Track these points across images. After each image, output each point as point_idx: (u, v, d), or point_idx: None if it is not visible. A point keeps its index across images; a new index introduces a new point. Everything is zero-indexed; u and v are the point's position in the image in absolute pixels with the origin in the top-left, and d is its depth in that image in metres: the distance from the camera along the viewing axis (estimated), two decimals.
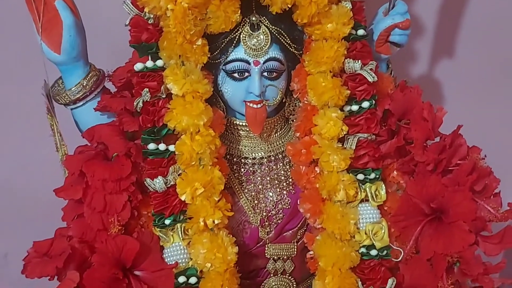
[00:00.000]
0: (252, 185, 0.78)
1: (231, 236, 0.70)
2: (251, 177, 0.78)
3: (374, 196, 0.73)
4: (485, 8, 1.17)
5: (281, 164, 0.80)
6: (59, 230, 0.70)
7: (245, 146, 0.79)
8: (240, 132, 0.79)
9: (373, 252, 0.72)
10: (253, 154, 0.79)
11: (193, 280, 0.68)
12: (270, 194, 0.78)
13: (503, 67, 1.25)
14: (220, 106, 0.77)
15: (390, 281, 0.71)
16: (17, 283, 1.25)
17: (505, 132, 1.31)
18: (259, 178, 0.78)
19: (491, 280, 0.71)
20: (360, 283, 0.71)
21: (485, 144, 1.25)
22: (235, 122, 0.79)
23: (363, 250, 0.72)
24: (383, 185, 0.74)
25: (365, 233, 0.72)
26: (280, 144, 0.80)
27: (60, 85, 0.76)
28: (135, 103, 0.69)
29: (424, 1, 1.14)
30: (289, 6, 0.68)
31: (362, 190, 0.73)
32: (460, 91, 1.25)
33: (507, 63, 1.24)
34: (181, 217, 0.69)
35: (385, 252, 0.72)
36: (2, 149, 1.17)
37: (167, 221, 0.69)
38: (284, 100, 0.77)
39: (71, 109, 0.75)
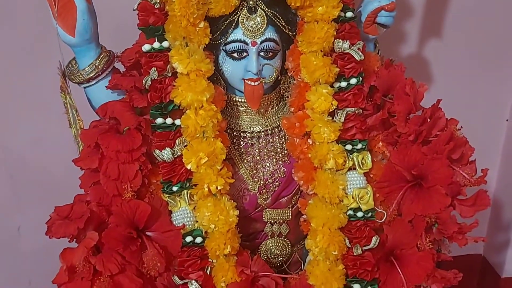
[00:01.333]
0: (251, 156, 0.84)
1: (232, 201, 0.78)
2: (249, 149, 0.85)
3: (360, 165, 0.80)
4: None
5: (277, 137, 0.86)
6: (78, 196, 0.77)
7: (244, 121, 0.85)
8: (239, 108, 0.85)
9: (359, 214, 0.79)
10: (251, 128, 0.85)
11: (198, 240, 0.76)
12: (267, 164, 0.85)
13: (488, 46, 1.30)
14: (221, 84, 0.83)
15: (373, 239, 0.78)
16: (29, 255, 1.34)
17: (487, 107, 1.38)
18: (257, 150, 0.85)
19: (464, 238, 0.79)
20: (347, 241, 0.78)
21: (469, 116, 1.32)
22: (234, 99, 0.85)
23: (350, 212, 0.79)
24: (369, 155, 0.81)
25: (352, 197, 0.79)
26: (276, 118, 0.86)
27: (74, 65, 0.82)
28: (143, 81, 0.75)
29: None
30: None
31: (350, 159, 0.80)
32: (446, 69, 1.31)
33: (491, 42, 1.30)
34: (187, 184, 0.76)
35: (370, 214, 0.79)
36: (16, 126, 1.21)
37: (174, 188, 0.76)
38: (279, 78, 0.84)
39: (84, 87, 0.81)
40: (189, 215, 0.77)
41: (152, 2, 0.74)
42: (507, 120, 1.42)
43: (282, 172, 0.85)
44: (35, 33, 1.05)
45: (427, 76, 1.32)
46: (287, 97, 0.86)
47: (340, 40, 0.78)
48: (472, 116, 1.36)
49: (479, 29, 1.28)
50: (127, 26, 0.79)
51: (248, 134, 0.85)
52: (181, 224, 0.76)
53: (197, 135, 0.75)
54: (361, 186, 0.80)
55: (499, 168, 1.48)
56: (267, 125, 0.86)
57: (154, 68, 0.74)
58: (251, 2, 0.77)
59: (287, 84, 0.86)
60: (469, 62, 1.32)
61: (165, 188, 0.77)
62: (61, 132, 0.89)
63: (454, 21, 1.26)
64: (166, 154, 0.75)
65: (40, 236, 0.78)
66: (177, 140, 0.76)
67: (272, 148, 0.85)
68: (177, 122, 0.76)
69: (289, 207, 0.87)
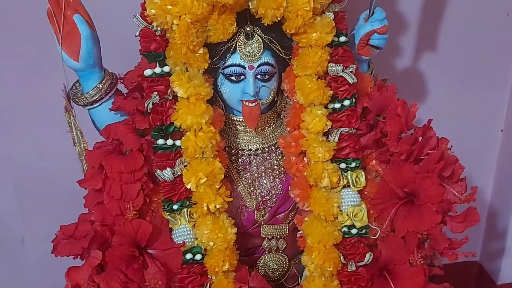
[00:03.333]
0: (249, 173, 0.87)
1: (231, 218, 0.80)
2: (247, 166, 0.87)
3: (354, 183, 0.83)
4: (465, 4, 1.24)
5: (274, 154, 0.88)
6: (82, 215, 0.80)
7: (242, 139, 0.88)
8: (238, 126, 0.88)
9: (354, 231, 0.82)
10: (249, 146, 0.88)
11: (198, 257, 0.78)
12: (265, 181, 0.87)
13: (481, 59, 1.32)
14: (220, 104, 0.85)
15: (367, 255, 0.81)
16: (33, 266, 1.37)
17: (482, 117, 1.39)
18: (254, 168, 0.87)
19: (455, 253, 0.82)
20: (342, 257, 0.81)
21: (464, 126, 1.35)
22: (232, 118, 0.88)
23: (345, 229, 0.82)
24: (363, 173, 0.83)
25: (347, 215, 0.82)
26: (273, 136, 0.89)
27: (78, 87, 0.85)
28: (145, 105, 0.78)
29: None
30: (279, 18, 0.77)
31: (344, 177, 0.82)
32: (441, 81, 1.33)
33: (484, 55, 1.32)
34: (187, 202, 0.79)
35: (364, 231, 0.82)
36: (22, 137, 1.23)
37: (175, 206, 0.79)
38: (275, 99, 0.87)
39: (88, 109, 0.85)
40: (189, 232, 0.79)
41: (153, 29, 0.77)
42: (501, 130, 1.44)
43: (279, 189, 0.88)
44: (42, 47, 1.06)
45: (421, 88, 1.35)
46: (284, 116, 0.89)
47: (333, 64, 0.81)
48: (467, 127, 1.40)
49: (472, 41, 1.30)
50: (128, 42, 0.82)
51: (246, 152, 0.88)
52: (181, 242, 0.79)
53: (197, 156, 0.78)
54: (355, 203, 0.83)
55: (494, 177, 1.50)
56: (264, 143, 0.88)
57: (155, 93, 0.77)
58: (248, 29, 0.80)
59: (283, 103, 0.88)
60: (463, 74, 1.34)
61: (165, 207, 0.79)
62: (65, 144, 0.90)
63: (447, 34, 1.28)
64: (167, 174, 0.78)
65: (44, 247, 0.80)
66: (177, 160, 0.78)
67: (269, 165, 0.88)
68: (178, 143, 0.78)
69: (286, 223, 0.89)
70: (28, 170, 1.28)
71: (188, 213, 0.79)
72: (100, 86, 0.82)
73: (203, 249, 0.79)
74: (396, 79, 0.98)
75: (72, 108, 0.85)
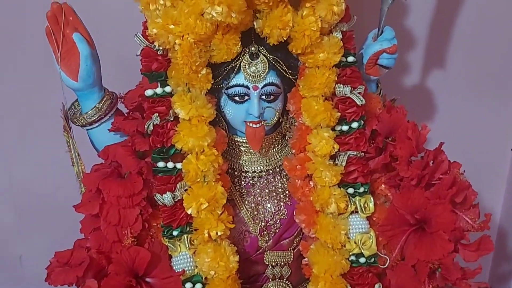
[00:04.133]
0: (252, 197, 0.84)
1: (233, 245, 0.77)
2: (251, 189, 0.84)
3: (363, 208, 0.80)
4: (473, 21, 1.22)
5: (278, 177, 0.86)
6: (78, 241, 0.77)
7: (245, 161, 0.85)
8: (241, 148, 0.85)
9: (362, 260, 0.78)
10: (253, 168, 0.85)
11: (198, 286, 0.75)
12: (268, 205, 0.84)
13: (490, 76, 1.30)
14: (223, 125, 0.83)
15: (376, 286, 0.78)
16: (30, 284, 1.33)
17: (492, 136, 1.36)
18: (258, 191, 0.84)
19: (467, 284, 0.78)
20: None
21: (473, 146, 1.32)
22: (236, 139, 0.85)
23: (352, 258, 0.78)
24: (372, 198, 0.80)
25: (355, 242, 0.78)
26: (277, 158, 0.86)
27: (77, 107, 0.83)
28: (146, 126, 0.75)
29: (415, 15, 1.20)
30: (285, 38, 0.74)
31: (352, 203, 0.80)
32: (450, 99, 1.30)
33: (494, 72, 1.29)
34: (188, 228, 0.76)
35: (372, 259, 0.79)
36: (21, 154, 1.22)
37: (175, 232, 0.76)
38: (280, 120, 0.84)
39: (87, 129, 0.82)
40: (189, 260, 0.76)
41: (155, 49, 0.74)
42: (511, 149, 1.41)
43: (284, 214, 0.85)
44: (42, 62, 1.05)
45: (430, 106, 1.32)
46: (289, 137, 0.86)
47: (341, 85, 0.78)
48: (476, 145, 1.38)
49: (481, 59, 1.28)
50: (130, 61, 0.80)
51: (250, 174, 0.85)
52: (180, 270, 0.76)
53: (198, 180, 0.75)
54: (364, 230, 0.80)
55: (504, 197, 1.46)
56: (268, 165, 0.86)
57: (156, 114, 0.75)
58: (252, 49, 0.77)
59: (289, 124, 0.86)
60: (472, 92, 1.31)
61: (165, 233, 0.76)
62: (66, 163, 0.88)
63: (455, 51, 1.26)
64: (166, 198, 0.75)
65: (41, 266, 0.77)
66: (178, 184, 0.76)
67: (273, 188, 0.85)
68: (179, 166, 0.76)
69: (290, 249, 0.86)
70: (27, 188, 1.26)
71: (189, 240, 0.76)
72: (100, 106, 0.79)
73: (203, 278, 0.76)
74: (404, 97, 0.97)
75: (70, 128, 0.82)
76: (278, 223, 0.84)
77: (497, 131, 1.38)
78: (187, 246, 0.76)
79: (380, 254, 0.80)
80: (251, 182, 0.85)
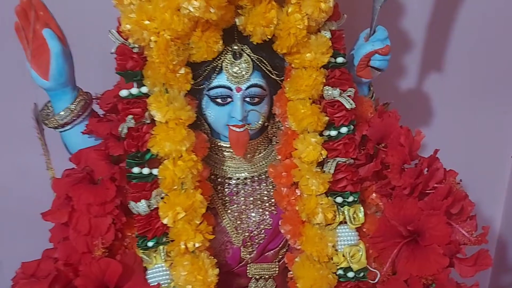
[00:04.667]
0: (236, 205, 0.80)
1: (213, 257, 0.72)
2: (234, 197, 0.80)
3: (352, 219, 0.75)
4: (470, 24, 1.18)
5: (264, 184, 0.81)
6: (46, 251, 0.72)
7: (229, 167, 0.81)
8: (224, 153, 0.81)
9: (350, 274, 0.74)
10: (237, 174, 0.81)
11: None
12: (253, 214, 0.80)
13: (489, 80, 1.26)
14: (205, 129, 0.79)
15: None
16: None
17: (491, 142, 1.33)
18: (242, 199, 0.80)
19: None
20: None
21: (471, 152, 1.28)
22: (219, 144, 0.80)
23: (340, 272, 0.74)
24: (361, 208, 0.76)
25: (343, 255, 0.74)
26: (263, 164, 0.82)
27: (50, 107, 0.78)
28: (119, 129, 0.71)
29: (412, 16, 1.16)
30: (269, 37, 0.70)
31: (341, 213, 0.75)
32: (448, 104, 1.27)
33: (493, 76, 1.26)
34: (164, 239, 0.71)
35: (362, 274, 0.74)
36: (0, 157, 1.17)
37: (150, 243, 0.71)
38: (266, 124, 0.79)
39: (60, 132, 0.77)
40: (165, 273, 0.71)
41: (130, 46, 0.70)
42: (511, 156, 1.36)
43: (269, 224, 0.80)
44: (19, 63, 1.02)
45: (426, 111, 1.28)
46: (276, 142, 0.81)
47: (330, 87, 0.74)
48: (475, 152, 1.34)
49: (481, 62, 1.24)
50: (110, 60, 0.75)
51: (234, 181, 0.81)
52: (156, 283, 0.71)
53: (175, 187, 0.70)
54: (353, 243, 0.75)
55: (504, 206, 1.42)
56: (253, 171, 0.81)
57: (130, 116, 0.70)
58: (235, 48, 0.73)
59: (276, 128, 0.82)
60: (471, 97, 1.27)
61: (140, 243, 0.71)
62: (43, 166, 0.82)
63: (453, 54, 1.22)
64: (141, 206, 0.71)
65: None
66: (153, 191, 0.71)
67: (258, 196, 0.81)
68: (155, 172, 0.71)
69: (275, 262, 0.81)
70: (6, 192, 1.21)
71: (165, 251, 0.71)
72: (72, 107, 0.75)
73: None
74: (399, 101, 0.92)
75: (43, 130, 0.78)
76: (262, 234, 0.80)
77: (497, 138, 1.34)
78: (162, 258, 0.71)
79: (370, 268, 0.75)
80: (235, 189, 0.80)
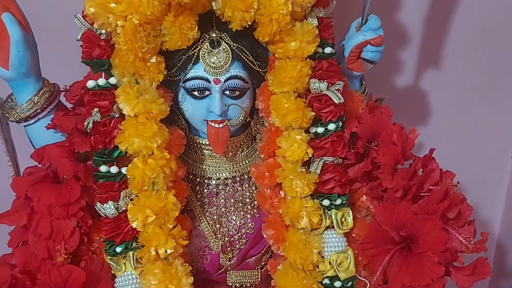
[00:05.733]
0: (215, 207, 0.74)
1: (188, 265, 0.67)
2: (214, 199, 0.75)
3: (340, 224, 0.70)
4: (470, 17, 1.14)
5: (246, 185, 0.76)
6: (4, 256, 0.66)
7: (209, 166, 0.75)
8: (204, 151, 0.75)
9: (337, 284, 0.69)
10: (217, 174, 0.75)
11: None
12: (234, 217, 0.75)
13: (489, 78, 1.22)
14: (182, 124, 0.73)
15: None
16: None
17: (490, 143, 1.28)
18: (222, 201, 0.75)
19: None
20: None
21: (470, 153, 1.24)
22: (198, 141, 0.75)
23: (326, 281, 0.69)
24: (350, 212, 0.71)
25: (330, 263, 0.69)
26: (246, 163, 0.77)
27: (14, 100, 0.72)
28: (85, 123, 0.65)
29: (409, 10, 1.11)
30: (249, 23, 0.64)
31: (328, 217, 0.70)
32: (445, 102, 1.22)
33: (493, 73, 1.21)
34: (133, 244, 0.66)
35: (350, 283, 0.69)
36: None
37: (118, 249, 0.65)
38: (248, 120, 0.74)
39: (24, 126, 0.72)
40: (135, 281, 0.66)
41: (97, 33, 0.64)
42: (511, 157, 1.32)
43: (250, 228, 0.75)
44: None
45: (423, 109, 1.24)
46: (259, 139, 0.76)
47: (316, 79, 0.68)
48: (474, 153, 1.30)
49: (480, 59, 1.19)
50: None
51: (214, 181, 0.75)
52: None
53: (146, 188, 0.65)
54: (340, 249, 0.70)
55: (504, 209, 1.38)
56: (235, 171, 0.76)
57: (96, 109, 0.64)
58: (213, 35, 0.67)
59: (260, 124, 0.76)
60: (470, 95, 1.23)
61: (107, 249, 0.66)
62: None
63: (452, 49, 1.18)
64: (109, 208, 0.65)
65: None
66: (122, 192, 0.65)
67: (240, 198, 0.75)
68: (124, 170, 0.65)
69: (257, 269, 0.76)
70: None
71: (134, 258, 0.66)
72: (36, 99, 0.69)
73: None
74: (394, 99, 0.88)
75: (7, 124, 0.72)
76: (243, 238, 0.75)
77: (496, 137, 1.29)
78: (132, 264, 0.66)
79: (359, 277, 0.70)
80: (214, 190, 0.75)
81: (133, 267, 0.66)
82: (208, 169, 0.75)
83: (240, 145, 0.76)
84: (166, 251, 0.64)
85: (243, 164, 0.77)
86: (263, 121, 0.75)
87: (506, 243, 1.39)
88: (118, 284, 0.66)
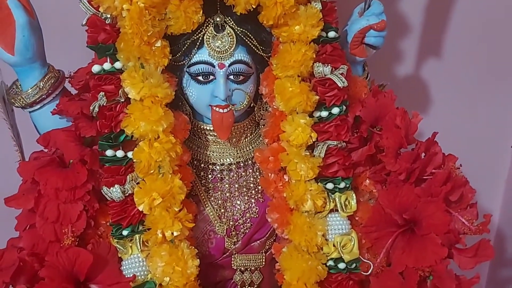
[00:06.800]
0: (219, 192, 0.75)
1: (193, 247, 0.67)
2: (218, 184, 0.75)
3: (343, 207, 0.70)
4: (472, 7, 1.14)
5: (250, 170, 0.77)
6: (11, 240, 0.67)
7: (213, 152, 0.76)
8: (208, 137, 0.76)
9: (341, 265, 0.69)
10: (221, 160, 0.76)
11: None
12: (238, 202, 0.75)
13: (490, 67, 1.22)
14: (186, 110, 0.74)
15: None
16: None
17: (490, 132, 1.29)
18: (226, 186, 0.75)
19: None
20: None
21: (470, 142, 1.24)
22: (202, 127, 0.75)
23: (330, 263, 0.69)
24: (354, 195, 0.71)
25: (334, 245, 0.69)
26: (250, 149, 0.77)
27: (19, 86, 0.73)
28: (91, 108, 0.65)
29: None
30: (254, 6, 0.64)
31: (331, 200, 0.70)
32: (446, 91, 1.22)
33: (494, 62, 1.21)
34: (140, 227, 0.66)
35: (354, 265, 0.70)
36: None
37: (124, 232, 0.66)
38: (252, 105, 0.74)
39: (29, 112, 0.72)
40: (141, 264, 0.67)
41: (102, 17, 0.64)
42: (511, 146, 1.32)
43: (255, 212, 0.75)
44: None
45: (424, 98, 1.24)
46: (263, 125, 0.76)
47: (320, 63, 0.68)
48: (474, 141, 1.30)
49: (482, 48, 1.19)
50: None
51: (218, 167, 0.76)
52: (131, 275, 0.66)
53: (152, 171, 0.65)
54: (344, 231, 0.71)
55: (503, 198, 1.38)
56: (239, 157, 0.76)
57: (102, 93, 0.65)
58: (218, 19, 0.67)
59: (264, 110, 0.76)
60: (470, 84, 1.23)
61: (114, 232, 0.66)
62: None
63: (454, 39, 1.17)
64: (115, 192, 0.65)
65: None
66: (128, 176, 0.66)
67: (244, 183, 0.76)
68: (130, 154, 0.66)
69: (262, 252, 0.77)
70: None
71: (141, 241, 0.66)
72: (41, 84, 0.69)
73: (157, 284, 0.66)
74: (396, 86, 0.88)
75: (8, 111, 0.72)
76: (248, 223, 0.75)
77: (497, 127, 1.29)
78: (139, 247, 0.66)
79: (363, 259, 0.71)
80: (219, 176, 0.75)
81: (139, 250, 0.66)
82: (212, 154, 0.76)
83: (244, 131, 0.77)
84: (172, 233, 0.64)
85: (247, 150, 0.77)
86: (266, 107, 0.76)
87: (506, 233, 1.39)
88: (124, 267, 0.67)
